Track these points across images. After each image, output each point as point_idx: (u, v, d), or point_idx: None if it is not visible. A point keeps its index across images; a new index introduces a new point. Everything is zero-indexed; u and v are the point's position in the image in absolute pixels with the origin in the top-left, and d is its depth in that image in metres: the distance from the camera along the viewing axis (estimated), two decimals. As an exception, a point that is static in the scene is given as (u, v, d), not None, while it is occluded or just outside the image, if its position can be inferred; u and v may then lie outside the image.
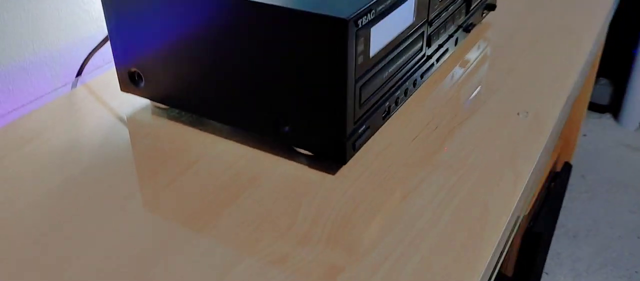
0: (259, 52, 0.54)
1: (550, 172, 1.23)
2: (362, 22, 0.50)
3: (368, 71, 0.55)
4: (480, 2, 0.81)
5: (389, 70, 0.59)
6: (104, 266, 0.48)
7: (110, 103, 0.71)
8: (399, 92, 0.63)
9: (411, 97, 0.69)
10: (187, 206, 0.54)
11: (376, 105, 0.59)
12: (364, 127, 0.57)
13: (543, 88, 0.71)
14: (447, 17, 0.71)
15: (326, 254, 0.49)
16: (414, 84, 0.67)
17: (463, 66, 0.76)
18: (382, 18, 0.54)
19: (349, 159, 0.57)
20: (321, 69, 0.52)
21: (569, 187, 1.78)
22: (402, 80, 0.63)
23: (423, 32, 0.65)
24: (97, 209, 0.54)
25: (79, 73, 0.76)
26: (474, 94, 0.70)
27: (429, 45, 0.68)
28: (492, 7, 0.87)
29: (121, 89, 0.68)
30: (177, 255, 0.49)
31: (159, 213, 0.54)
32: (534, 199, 1.12)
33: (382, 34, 0.55)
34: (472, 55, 0.79)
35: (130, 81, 0.66)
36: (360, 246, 0.49)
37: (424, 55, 0.68)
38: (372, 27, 0.53)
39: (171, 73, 0.62)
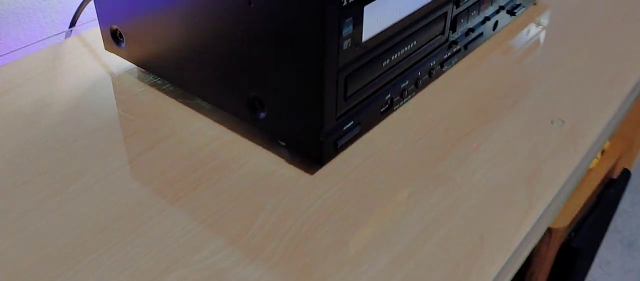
0: (234, 20, 0.46)
1: (605, 178, 1.09)
2: (348, 0, 0.41)
3: (359, 58, 0.45)
4: (532, -20, 0.69)
5: (393, 58, 0.50)
6: (22, 260, 0.42)
7: (97, 61, 0.65)
8: (406, 82, 0.53)
9: (428, 87, 0.59)
10: (138, 192, 0.48)
11: (371, 98, 0.50)
12: (351, 123, 0.48)
13: (591, 93, 0.59)
14: (483, -3, 0.59)
15: (274, 275, 0.41)
16: (430, 74, 0.57)
17: (499, 55, 0.65)
18: (381, -5, 0.44)
19: (328, 160, 0.48)
20: (295, 51, 0.43)
21: (630, 191, 1.62)
22: (411, 69, 0.54)
23: (446, 13, 0.54)
24: (47, 180, 0.49)
25: (72, 24, 0.70)
26: (504, 91, 0.59)
27: (454, 29, 0.57)
28: (549, -13, 0.74)
29: (105, 48, 0.61)
30: (95, 257, 0.42)
31: (104, 197, 0.47)
32: (580, 207, 1.00)
33: (381, 14, 0.46)
34: (514, 42, 0.68)
35: (112, 40, 0.60)
36: (317, 271, 0.41)
37: (446, 41, 0.57)
38: (366, 5, 0.43)
39: (151, 37, 0.55)
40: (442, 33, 0.55)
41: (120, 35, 0.58)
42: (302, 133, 0.47)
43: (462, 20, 0.57)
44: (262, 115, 0.49)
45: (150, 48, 0.56)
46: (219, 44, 0.48)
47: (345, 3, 0.40)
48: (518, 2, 0.68)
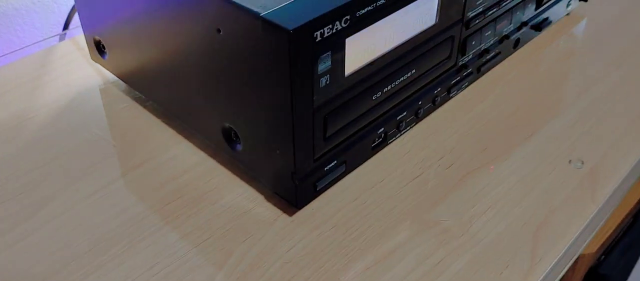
0: (205, 47, 0.41)
1: (644, 198, 1.00)
2: (323, 33, 0.36)
3: (341, 95, 0.40)
4: (562, -8, 0.62)
5: (386, 90, 0.44)
6: (-28, 296, 0.40)
7: (84, 69, 0.61)
8: (404, 113, 0.48)
9: (433, 114, 0.53)
10: (102, 227, 0.44)
11: (360, 134, 0.45)
12: (334, 163, 0.43)
13: (619, 128, 0.53)
14: (499, 15, 0.53)
15: (231, 340, 0.37)
16: (434, 102, 0.51)
17: (517, 78, 0.58)
18: (366, 24, 0.39)
19: (305, 204, 0.43)
20: (265, 87, 0.38)
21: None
22: (410, 99, 0.48)
23: (452, 36, 0.48)
24: (13, 207, 0.46)
25: (66, 26, 0.66)
26: (519, 121, 0.53)
27: (463, 52, 0.51)
28: (584, -3, 0.67)
29: (91, 58, 0.58)
30: (57, 298, 0.39)
31: (68, 231, 0.44)
32: (612, 229, 0.92)
33: (368, 45, 0.40)
34: (536, 63, 0.61)
35: (96, 50, 0.56)
36: (278, 337, 0.37)
37: (454, 65, 0.51)
38: (348, 37, 0.38)
39: (130, 54, 0.51)
40: (449, 57, 0.50)
41: (103, 46, 0.55)
42: (277, 174, 0.42)
43: (473, 43, 0.51)
44: (239, 147, 0.45)
45: (131, 64, 0.52)
46: (193, 69, 0.44)
47: (318, 38, 0.35)
48: (545, 17, 0.61)
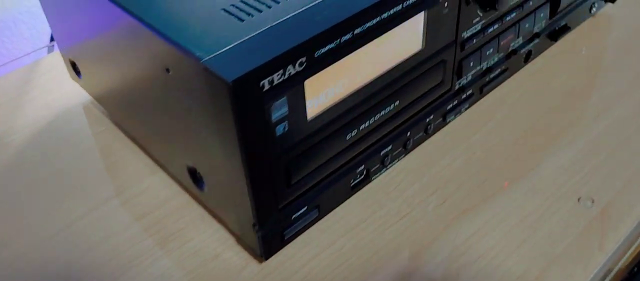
0: (158, 85, 0.38)
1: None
2: (272, 81, 0.31)
3: (305, 140, 0.36)
4: (581, -4, 0.55)
5: (363, 127, 0.40)
6: None
7: (67, 86, 0.58)
8: (389, 148, 0.43)
9: (425, 143, 0.48)
10: (61, 273, 0.41)
11: (334, 176, 0.40)
12: (304, 209, 0.39)
13: (637, 161, 0.47)
14: (503, 30, 0.47)
15: None
16: (427, 130, 0.46)
17: (525, 98, 0.53)
18: (330, 62, 0.34)
19: (271, 254, 0.40)
20: (216, 134, 0.34)
21: None
22: (395, 132, 0.43)
23: (444, 60, 0.43)
24: (-33, 251, 0.44)
25: (53, 38, 0.64)
26: (524, 149, 0.48)
27: (460, 75, 0.46)
28: (612, -3, 0.60)
29: (70, 76, 0.55)
30: None
31: (25, 276, 0.41)
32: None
33: (337, 83, 0.36)
34: (548, 79, 0.55)
35: (73, 70, 0.53)
36: None
37: (450, 90, 0.46)
38: (307, 79, 0.33)
39: (100, 78, 0.48)
40: (442, 83, 0.44)
41: (78, 67, 0.52)
42: (240, 222, 0.38)
43: (471, 64, 0.46)
44: (204, 187, 0.41)
45: (102, 90, 0.49)
46: (153, 105, 0.40)
47: (266, 87, 0.31)
48: (563, 24, 0.55)
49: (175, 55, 0.33)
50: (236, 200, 0.37)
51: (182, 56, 0.32)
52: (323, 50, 0.33)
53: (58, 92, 0.58)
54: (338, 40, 0.33)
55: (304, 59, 0.32)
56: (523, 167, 0.46)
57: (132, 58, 0.39)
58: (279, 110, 0.33)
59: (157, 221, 0.45)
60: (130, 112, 0.46)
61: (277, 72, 0.31)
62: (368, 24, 0.35)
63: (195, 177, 0.41)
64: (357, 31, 0.34)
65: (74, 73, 0.53)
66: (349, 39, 0.34)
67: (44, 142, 0.53)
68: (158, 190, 0.47)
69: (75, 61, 0.51)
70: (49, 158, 0.51)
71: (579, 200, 0.44)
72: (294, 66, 0.32)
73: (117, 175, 0.49)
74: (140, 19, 0.35)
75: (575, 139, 0.48)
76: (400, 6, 0.36)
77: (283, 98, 0.33)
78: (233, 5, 0.35)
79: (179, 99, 0.36)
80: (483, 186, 0.45)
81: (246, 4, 0.35)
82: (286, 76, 0.32)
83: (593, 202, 0.43)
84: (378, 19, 0.35)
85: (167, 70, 0.35)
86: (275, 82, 0.31)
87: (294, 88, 0.33)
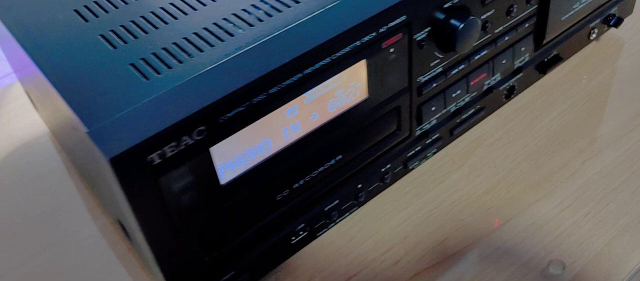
0: (73, 136, 0.35)
1: None
2: (164, 154, 0.28)
3: (221, 206, 0.33)
4: (581, 21, 0.50)
5: (296, 186, 0.36)
6: None
7: (32, 116, 0.57)
8: (335, 202, 0.40)
9: (385, 192, 0.44)
10: (-13, 328, 0.40)
11: (266, 240, 0.37)
12: (231, 274, 0.36)
13: (622, 217, 0.41)
14: (473, 70, 0.43)
15: None
16: (384, 180, 0.42)
17: (507, 137, 0.48)
18: (241, 126, 0.31)
19: (194, 324, 0.37)
20: (118, 201, 0.31)
21: None
22: (343, 187, 0.40)
23: (398, 107, 0.39)
24: None
25: (26, 62, 0.62)
26: (494, 202, 0.43)
27: (420, 120, 0.42)
28: (617, 21, 0.54)
29: (32, 106, 0.53)
30: None
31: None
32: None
33: (255, 143, 0.32)
34: (537, 114, 0.49)
35: (30, 101, 0.51)
36: None
37: (410, 137, 0.42)
38: (212, 146, 0.30)
39: (45, 110, 0.46)
40: (398, 130, 0.40)
41: (32, 98, 0.50)
42: (162, 286, 0.36)
43: (433, 108, 0.41)
44: (132, 243, 0.38)
45: (51, 125, 0.47)
46: (81, 153, 0.38)
47: (157, 161, 0.28)
48: (554, 54, 0.50)
49: (73, 118, 0.30)
50: (153, 266, 0.34)
51: (77, 120, 0.30)
52: (229, 115, 0.29)
53: (26, 120, 0.56)
54: (248, 102, 0.30)
55: (203, 128, 0.29)
56: (489, 222, 0.42)
57: (51, 106, 0.36)
58: (180, 181, 0.30)
59: (93, 273, 0.42)
60: (70, 154, 0.43)
61: (168, 144, 0.28)
62: (287, 82, 0.31)
63: (125, 230, 0.39)
64: (272, 91, 0.31)
65: (33, 104, 0.52)
66: (263, 99, 0.30)
67: (3, 173, 0.51)
68: (100, 235, 0.45)
69: (28, 92, 0.49)
70: (2, 194, 0.49)
71: (549, 264, 0.39)
72: (190, 136, 0.28)
73: (63, 218, 0.46)
74: (46, 74, 0.32)
75: (554, 189, 0.43)
76: (329, 59, 0.32)
77: (182, 168, 0.29)
78: (143, 58, 0.32)
79: (88, 160, 0.33)
80: (442, 245, 0.41)
81: (158, 58, 0.32)
82: (183, 146, 0.28)
83: (564, 268, 0.39)
84: (299, 75, 0.31)
85: (74, 128, 0.32)
86: (168, 154, 0.28)
87: (198, 157, 0.30)
